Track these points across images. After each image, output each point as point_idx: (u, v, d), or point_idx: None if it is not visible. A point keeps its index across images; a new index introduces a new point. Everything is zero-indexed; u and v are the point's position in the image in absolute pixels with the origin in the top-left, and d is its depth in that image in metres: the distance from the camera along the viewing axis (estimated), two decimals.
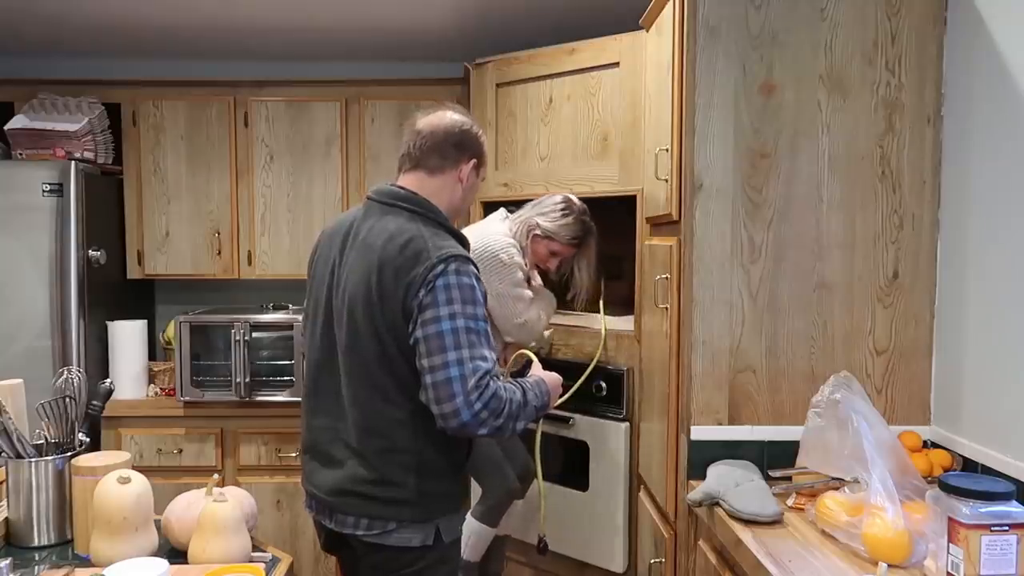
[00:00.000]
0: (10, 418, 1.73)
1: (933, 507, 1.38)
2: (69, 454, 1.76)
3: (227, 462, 3.25)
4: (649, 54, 2.37)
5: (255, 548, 1.66)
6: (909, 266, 1.91)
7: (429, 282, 1.57)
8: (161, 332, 3.66)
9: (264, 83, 3.46)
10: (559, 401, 1.85)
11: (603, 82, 2.65)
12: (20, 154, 3.20)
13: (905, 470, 1.58)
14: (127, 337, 3.28)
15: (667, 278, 2.04)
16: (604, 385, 2.63)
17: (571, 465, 2.74)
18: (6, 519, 1.75)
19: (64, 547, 1.72)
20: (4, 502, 1.80)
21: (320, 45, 3.43)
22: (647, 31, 2.39)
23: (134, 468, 1.69)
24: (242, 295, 3.76)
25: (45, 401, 1.76)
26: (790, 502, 1.73)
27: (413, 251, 1.61)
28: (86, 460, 1.73)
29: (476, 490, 2.69)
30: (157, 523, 1.70)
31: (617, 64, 2.60)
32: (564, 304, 3.04)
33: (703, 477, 1.86)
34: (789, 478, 1.78)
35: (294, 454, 3.21)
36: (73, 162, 3.10)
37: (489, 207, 2.87)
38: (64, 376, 1.82)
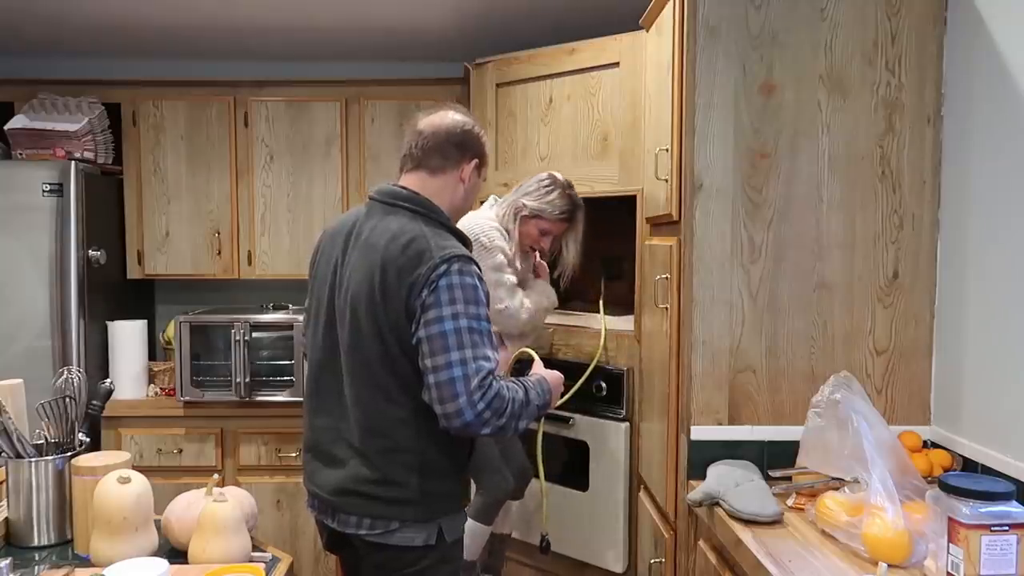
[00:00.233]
0: (10, 418, 1.73)
1: (933, 507, 1.38)
2: (69, 454, 1.76)
3: (227, 462, 3.25)
4: (649, 54, 2.37)
5: (255, 548, 1.66)
6: (909, 266, 1.91)
7: (432, 282, 1.57)
8: (161, 332, 3.66)
9: (264, 83, 3.46)
10: (561, 400, 1.85)
11: (603, 82, 2.65)
12: (20, 154, 3.20)
13: (905, 470, 1.58)
14: (127, 337, 3.28)
15: (667, 278, 2.04)
16: (604, 385, 2.63)
17: (571, 465, 2.74)
18: (6, 519, 1.75)
19: (64, 547, 1.72)
20: (4, 502, 1.80)
21: (320, 45, 3.43)
22: (647, 31, 2.39)
23: (134, 468, 1.69)
24: (242, 295, 3.76)
25: (45, 401, 1.76)
26: (790, 502, 1.73)
27: (416, 251, 1.61)
28: (86, 460, 1.73)
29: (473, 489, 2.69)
30: (157, 523, 1.70)
31: (617, 64, 2.60)
32: (564, 304, 3.05)
33: (703, 477, 1.86)
34: (789, 478, 1.78)
35: (294, 454, 3.21)
36: (73, 162, 3.10)
37: None
38: (64, 376, 1.82)
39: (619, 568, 2.61)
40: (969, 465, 1.75)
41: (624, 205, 2.58)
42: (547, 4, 2.91)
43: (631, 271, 2.59)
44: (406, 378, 1.62)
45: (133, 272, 3.47)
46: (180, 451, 3.23)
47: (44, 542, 1.72)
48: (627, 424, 2.58)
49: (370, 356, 1.64)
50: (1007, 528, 1.28)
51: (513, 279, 2.49)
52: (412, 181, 1.76)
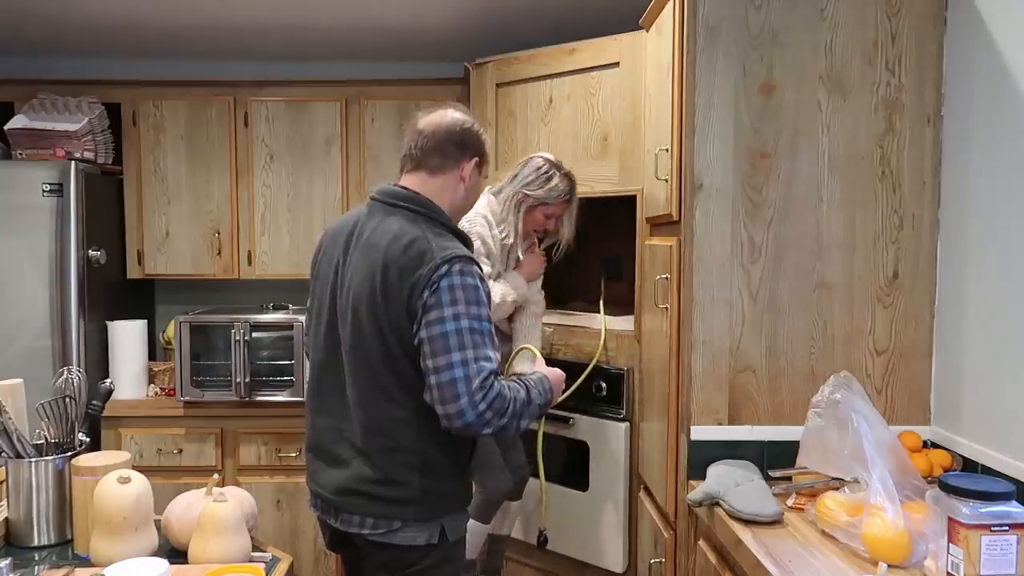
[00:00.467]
0: (10, 418, 1.73)
1: (933, 507, 1.38)
2: (69, 454, 1.76)
3: (227, 462, 3.25)
4: (649, 54, 2.37)
5: (255, 548, 1.66)
6: (909, 266, 1.91)
7: (433, 283, 1.58)
8: (161, 332, 3.66)
9: (264, 83, 3.46)
10: (561, 398, 1.86)
11: (603, 82, 2.65)
12: (20, 154, 3.20)
13: (905, 470, 1.58)
14: (127, 337, 3.28)
15: (667, 278, 2.04)
16: (604, 385, 2.63)
17: (571, 465, 2.74)
18: (6, 519, 1.75)
19: (64, 547, 1.72)
20: (4, 502, 1.80)
21: (320, 45, 3.43)
22: (647, 31, 2.39)
23: (134, 468, 1.69)
24: (242, 295, 3.76)
25: (45, 401, 1.76)
26: (790, 502, 1.73)
27: (417, 252, 1.61)
28: (86, 460, 1.73)
29: None
30: (157, 523, 1.70)
31: (617, 64, 2.60)
32: (564, 304, 3.05)
33: (703, 477, 1.86)
34: (789, 478, 1.78)
35: (294, 454, 3.21)
36: (73, 162, 3.10)
37: None
38: (64, 376, 1.82)
39: (619, 568, 2.61)
40: (969, 465, 1.75)
41: (624, 205, 2.58)
42: (547, 4, 2.91)
43: (631, 271, 2.59)
44: (407, 378, 1.63)
45: (133, 272, 3.47)
46: (180, 451, 3.23)
47: (44, 542, 1.72)
48: (627, 424, 2.58)
49: (371, 356, 1.64)
50: (1007, 528, 1.28)
51: (488, 269, 2.43)
52: (412, 181, 1.76)
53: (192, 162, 3.43)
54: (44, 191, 3.05)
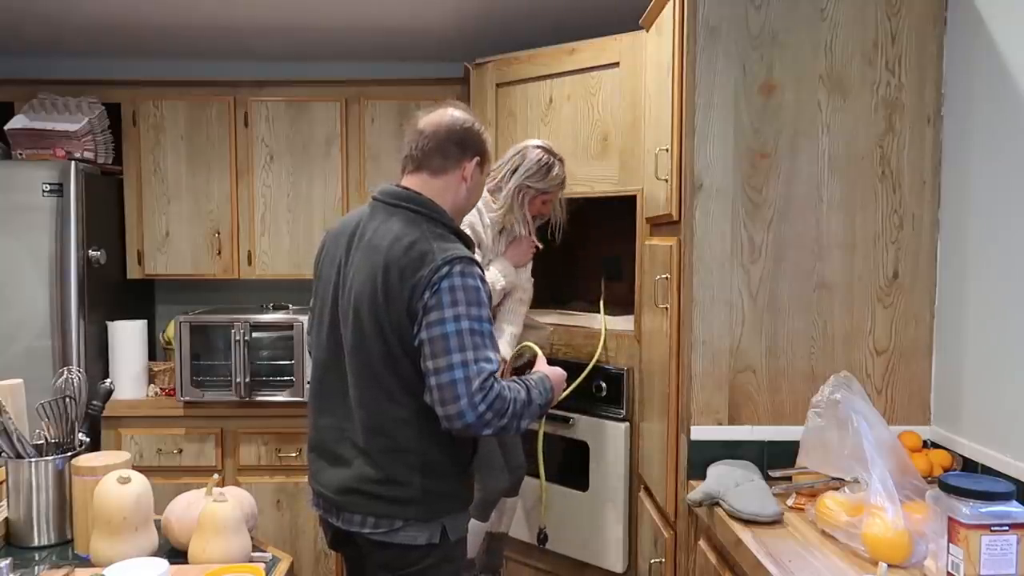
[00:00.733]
0: (10, 418, 1.73)
1: (933, 507, 1.38)
2: (69, 454, 1.76)
3: (227, 462, 3.25)
4: (649, 54, 2.37)
5: (255, 548, 1.66)
6: (909, 266, 1.91)
7: (434, 284, 1.58)
8: (161, 332, 3.66)
9: (264, 83, 3.46)
10: (561, 397, 1.86)
11: (603, 82, 2.65)
12: (20, 154, 3.20)
13: (905, 470, 1.58)
14: (127, 337, 3.28)
15: (667, 278, 2.04)
16: (604, 385, 2.62)
17: (571, 465, 2.74)
18: (6, 519, 1.75)
19: (64, 547, 1.72)
20: (4, 502, 1.80)
21: (320, 45, 3.43)
22: (647, 31, 2.39)
23: (134, 468, 1.69)
24: (242, 295, 3.76)
25: (45, 401, 1.76)
26: (790, 502, 1.73)
27: (418, 253, 1.61)
28: (86, 460, 1.73)
29: None
30: (157, 523, 1.70)
31: (617, 64, 2.60)
32: (564, 304, 3.05)
33: (703, 477, 1.86)
34: (789, 478, 1.78)
35: (294, 454, 3.21)
36: (73, 162, 3.10)
37: None
38: (64, 376, 1.82)
39: (619, 568, 2.61)
40: (969, 465, 1.75)
41: (624, 205, 2.58)
42: (547, 4, 2.91)
43: (631, 271, 2.58)
44: (408, 379, 1.63)
45: (133, 272, 3.46)
46: (180, 451, 3.23)
47: (44, 542, 1.72)
48: (627, 424, 2.58)
49: (372, 356, 1.64)
50: (1007, 528, 1.28)
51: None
52: (414, 182, 1.76)
53: (192, 162, 3.43)
54: (44, 191, 3.05)
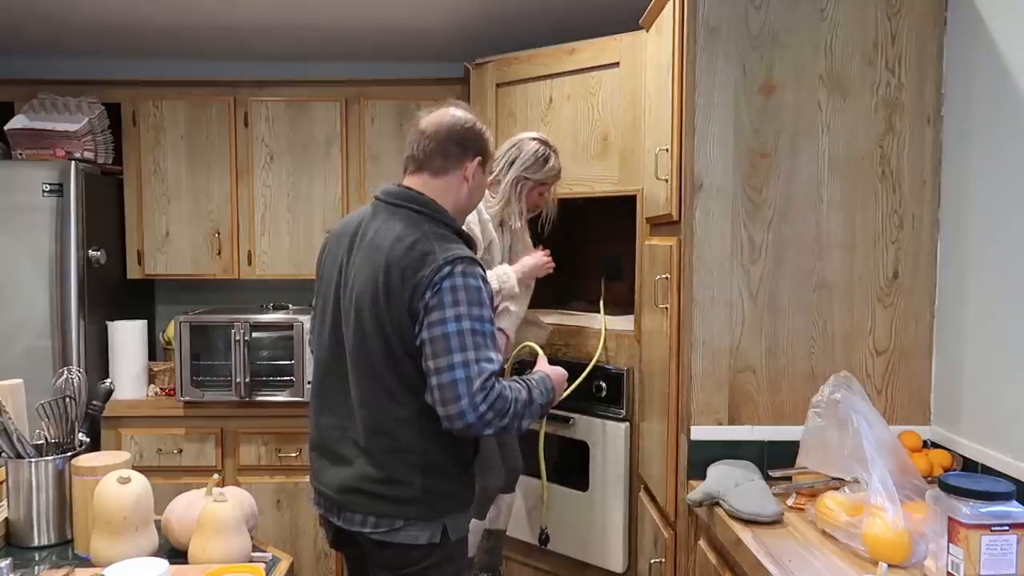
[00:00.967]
0: (10, 418, 1.73)
1: (933, 507, 1.38)
2: (69, 454, 1.76)
3: (227, 462, 3.25)
4: (649, 54, 2.37)
5: (255, 548, 1.66)
6: (909, 266, 1.91)
7: (435, 284, 1.58)
8: (161, 332, 3.66)
9: (264, 83, 3.46)
10: (562, 396, 1.86)
11: (603, 82, 2.65)
12: (20, 154, 3.20)
13: (905, 470, 1.58)
14: (127, 337, 3.28)
15: (667, 278, 2.04)
16: (604, 385, 2.63)
17: (571, 465, 2.74)
18: (6, 519, 1.75)
19: (64, 547, 1.72)
20: (4, 502, 1.80)
21: (320, 45, 3.43)
22: (647, 31, 2.39)
23: (134, 468, 1.69)
24: (242, 295, 3.75)
25: (45, 401, 1.76)
26: (790, 502, 1.73)
27: (420, 253, 1.61)
28: (86, 460, 1.73)
29: None
30: (157, 523, 1.70)
31: (617, 64, 2.60)
32: (564, 304, 3.05)
33: (703, 477, 1.86)
34: (789, 478, 1.78)
35: (294, 454, 3.21)
36: (73, 162, 3.10)
37: None
38: (64, 376, 1.82)
39: (619, 568, 2.61)
40: (969, 465, 1.75)
41: (624, 205, 2.58)
42: (547, 4, 2.91)
43: (631, 271, 2.59)
44: (409, 378, 1.63)
45: (133, 272, 3.46)
46: (180, 451, 3.22)
47: (44, 542, 1.72)
48: (627, 424, 2.58)
49: (374, 356, 1.64)
50: (1007, 528, 1.28)
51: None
52: (416, 183, 1.75)
53: (192, 162, 3.43)
54: (44, 191, 3.05)
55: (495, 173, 2.55)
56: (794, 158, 1.90)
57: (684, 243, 1.95)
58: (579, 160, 2.71)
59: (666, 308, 2.05)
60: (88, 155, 3.24)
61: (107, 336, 3.28)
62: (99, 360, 3.24)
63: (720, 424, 1.92)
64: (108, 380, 1.95)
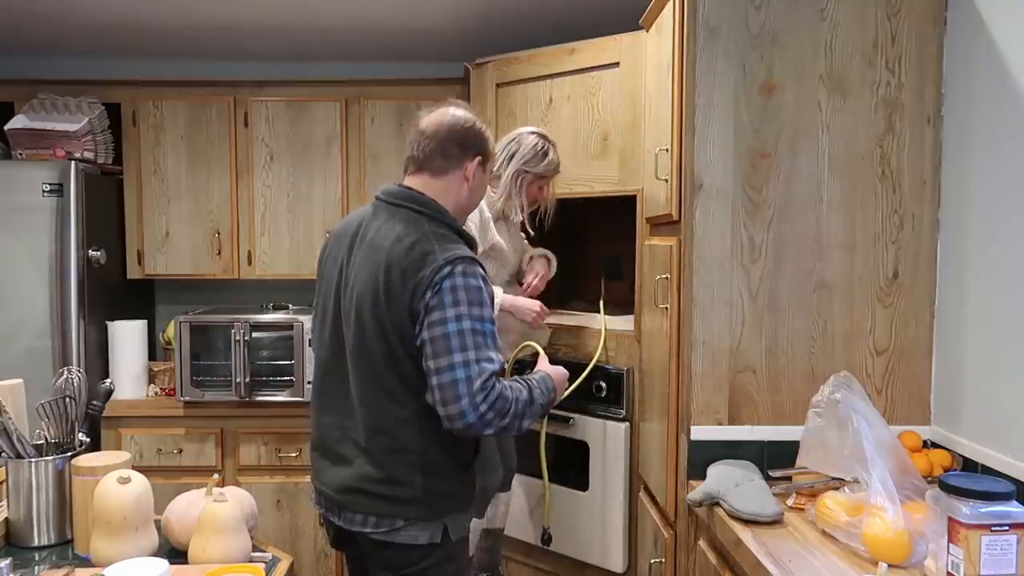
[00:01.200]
0: (10, 418, 1.73)
1: (933, 507, 1.38)
2: (69, 454, 1.76)
3: (227, 462, 3.25)
4: (649, 54, 2.37)
5: (255, 548, 1.66)
6: (909, 266, 1.91)
7: (436, 284, 1.58)
8: (161, 332, 3.66)
9: (264, 83, 3.46)
10: (562, 397, 1.86)
11: (603, 82, 2.65)
12: (20, 154, 3.20)
13: (905, 470, 1.58)
14: (127, 337, 3.28)
15: (667, 278, 2.04)
16: (604, 385, 2.62)
17: (571, 465, 2.74)
18: (6, 519, 1.75)
19: (64, 547, 1.72)
20: (4, 502, 1.80)
21: (320, 45, 3.43)
22: (647, 31, 2.39)
23: (134, 468, 1.69)
24: (242, 295, 3.76)
25: (45, 401, 1.76)
26: (790, 502, 1.73)
27: (420, 253, 1.61)
28: (86, 460, 1.73)
29: None
30: (157, 523, 1.70)
31: (617, 64, 2.60)
32: (564, 304, 3.05)
33: (703, 477, 1.86)
34: (789, 478, 1.78)
35: (294, 454, 3.21)
36: (73, 162, 3.10)
37: None
38: (64, 376, 1.82)
39: (619, 568, 2.61)
40: (969, 465, 1.75)
41: (624, 205, 2.58)
42: (547, 4, 2.91)
43: (631, 271, 2.59)
44: (410, 378, 1.63)
45: (133, 272, 3.46)
46: (180, 451, 3.22)
47: (44, 542, 1.72)
48: (627, 424, 2.58)
49: (374, 356, 1.64)
50: (1007, 528, 1.28)
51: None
52: (416, 183, 1.75)
53: (192, 162, 3.43)
54: (44, 191, 3.05)
55: (496, 167, 2.56)
56: (794, 158, 1.90)
57: (684, 243, 1.95)
58: (579, 160, 2.71)
59: (666, 308, 2.05)
60: (88, 155, 3.24)
61: (107, 336, 3.28)
62: (99, 360, 3.24)
63: (720, 424, 1.92)
64: (108, 380, 1.95)
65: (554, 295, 3.09)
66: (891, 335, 1.92)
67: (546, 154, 2.57)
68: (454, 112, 1.77)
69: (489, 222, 2.53)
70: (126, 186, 3.44)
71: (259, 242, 3.46)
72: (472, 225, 2.43)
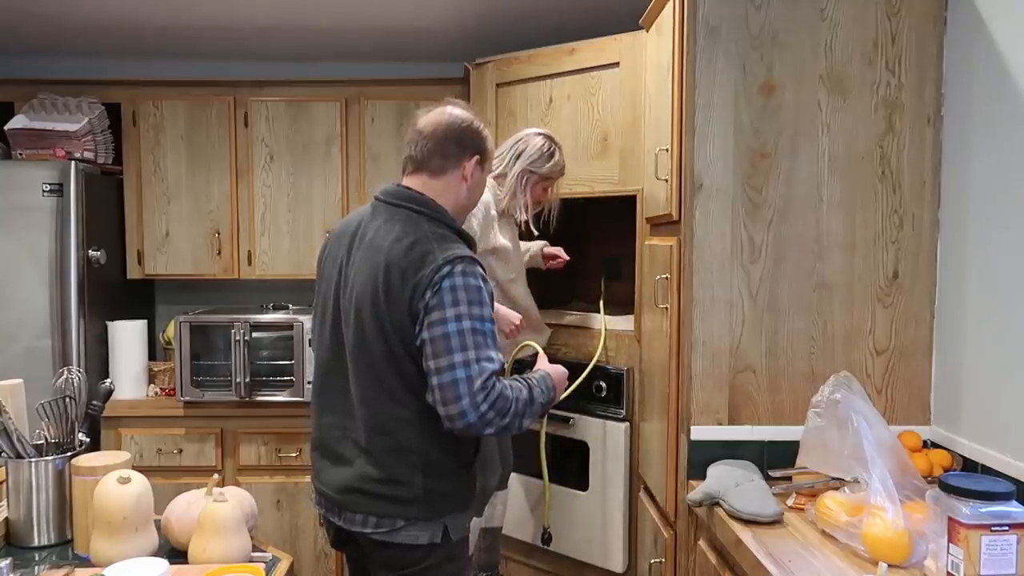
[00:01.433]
0: (10, 418, 1.73)
1: (933, 507, 1.38)
2: (69, 454, 1.76)
3: (227, 462, 3.25)
4: (649, 54, 2.37)
5: (255, 548, 1.66)
6: (909, 266, 1.91)
7: (435, 284, 1.58)
8: (161, 332, 3.66)
9: (264, 83, 3.46)
10: (562, 396, 1.86)
11: (603, 82, 2.65)
12: (20, 154, 3.20)
13: (905, 470, 1.58)
14: (127, 337, 3.28)
15: (667, 278, 2.04)
16: (604, 385, 2.62)
17: (571, 465, 2.74)
18: (6, 519, 1.75)
19: (64, 547, 1.72)
20: (4, 502, 1.80)
21: (320, 45, 3.43)
22: (647, 31, 2.39)
23: (134, 468, 1.69)
24: (242, 295, 3.76)
25: (45, 401, 1.76)
26: (790, 502, 1.73)
27: (420, 253, 1.61)
28: (86, 460, 1.73)
29: None
30: (157, 523, 1.70)
31: (617, 64, 2.60)
32: (564, 304, 3.05)
33: (703, 477, 1.86)
34: (789, 478, 1.78)
35: (294, 454, 3.21)
36: (73, 162, 3.10)
37: None
38: (64, 376, 1.82)
39: (619, 568, 2.61)
40: (969, 465, 1.75)
41: (624, 205, 2.58)
42: (547, 4, 2.91)
43: (631, 271, 2.59)
44: (410, 378, 1.63)
45: (133, 272, 3.46)
46: (180, 451, 3.22)
47: (44, 542, 1.72)
48: (627, 424, 2.58)
49: (374, 356, 1.64)
50: (1007, 528, 1.28)
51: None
52: (415, 183, 1.75)
53: (192, 162, 3.43)
54: (44, 191, 3.05)
55: (502, 166, 2.58)
56: (794, 158, 1.90)
57: (684, 243, 1.95)
58: (579, 160, 2.71)
59: (666, 308, 2.05)
60: (88, 155, 3.23)
61: (107, 336, 3.28)
62: (99, 360, 3.24)
63: (720, 424, 1.92)
64: (108, 380, 1.95)
65: (554, 295, 3.09)
66: (891, 335, 1.92)
67: (552, 155, 2.59)
68: (452, 112, 1.76)
69: (494, 220, 2.53)
70: (126, 186, 3.44)
71: (259, 242, 3.46)
72: (476, 221, 2.43)
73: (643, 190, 2.46)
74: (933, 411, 1.92)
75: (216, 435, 3.24)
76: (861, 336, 1.92)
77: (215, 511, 1.58)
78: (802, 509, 1.69)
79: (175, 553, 1.63)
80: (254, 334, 3.22)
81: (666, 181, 2.07)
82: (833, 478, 1.67)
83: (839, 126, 1.89)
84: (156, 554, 1.60)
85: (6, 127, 3.19)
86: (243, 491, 1.80)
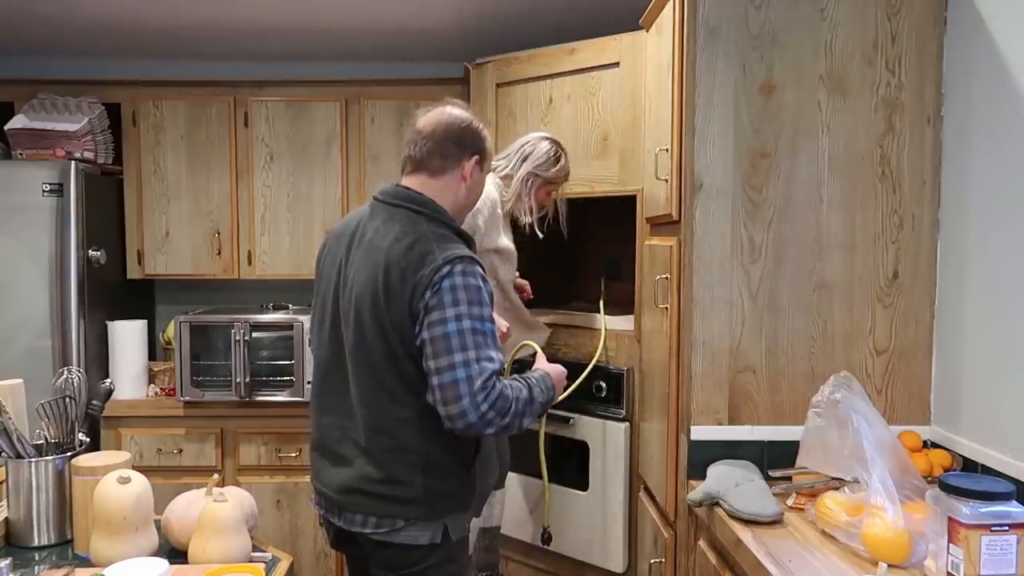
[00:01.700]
0: (10, 418, 1.73)
1: (933, 507, 1.38)
2: (69, 454, 1.76)
3: (227, 462, 3.25)
4: (649, 54, 2.37)
5: (255, 548, 1.66)
6: (909, 266, 1.91)
7: (435, 284, 1.58)
8: (161, 332, 3.66)
9: (264, 83, 3.46)
10: (562, 396, 1.86)
11: (603, 82, 2.65)
12: (20, 154, 3.20)
13: (905, 470, 1.58)
14: (127, 337, 3.28)
15: (667, 278, 2.04)
16: (604, 385, 2.62)
17: (571, 465, 2.74)
18: (6, 519, 1.75)
19: (64, 547, 1.72)
20: (4, 502, 1.80)
21: (320, 45, 3.43)
22: (647, 31, 2.39)
23: (134, 468, 1.69)
24: (242, 295, 3.76)
25: (45, 401, 1.76)
26: (790, 502, 1.73)
27: (419, 253, 1.61)
28: (86, 460, 1.73)
29: None
30: (157, 523, 1.70)
31: (617, 64, 2.60)
32: (564, 304, 3.05)
33: (703, 477, 1.86)
34: (789, 478, 1.78)
35: (294, 454, 3.21)
36: (73, 162, 3.10)
37: None
38: (64, 376, 1.82)
39: (619, 568, 2.61)
40: (969, 465, 1.75)
41: (624, 205, 2.58)
42: (547, 4, 2.91)
43: (631, 271, 2.59)
44: (410, 378, 1.63)
45: (133, 272, 3.46)
46: (180, 451, 3.22)
47: (44, 542, 1.72)
48: (627, 424, 2.58)
49: (374, 356, 1.64)
50: (1007, 528, 1.28)
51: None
52: (414, 183, 1.75)
53: (192, 162, 3.43)
54: (44, 191, 3.05)
55: (508, 168, 2.58)
56: (794, 158, 1.90)
57: (684, 243, 1.95)
58: (579, 160, 2.70)
59: (666, 308, 2.05)
60: (88, 155, 3.23)
61: (107, 336, 3.28)
62: (99, 360, 3.24)
63: (720, 424, 1.92)
64: (108, 380, 1.95)
65: (554, 295, 3.09)
66: (891, 335, 1.92)
67: (558, 160, 2.60)
68: (451, 111, 1.76)
69: (500, 219, 2.54)
70: (126, 186, 3.44)
71: (259, 242, 3.46)
72: (482, 218, 2.44)
73: (643, 190, 2.46)
74: (933, 411, 1.92)
75: (216, 435, 3.24)
76: (861, 336, 1.92)
77: (215, 511, 1.58)
78: (802, 509, 1.69)
79: (175, 553, 1.63)
80: (254, 334, 3.22)
81: (666, 181, 2.07)
82: (833, 478, 1.67)
83: (839, 126, 1.89)
84: (156, 554, 1.60)
85: (6, 127, 3.19)
86: (243, 491, 1.80)
